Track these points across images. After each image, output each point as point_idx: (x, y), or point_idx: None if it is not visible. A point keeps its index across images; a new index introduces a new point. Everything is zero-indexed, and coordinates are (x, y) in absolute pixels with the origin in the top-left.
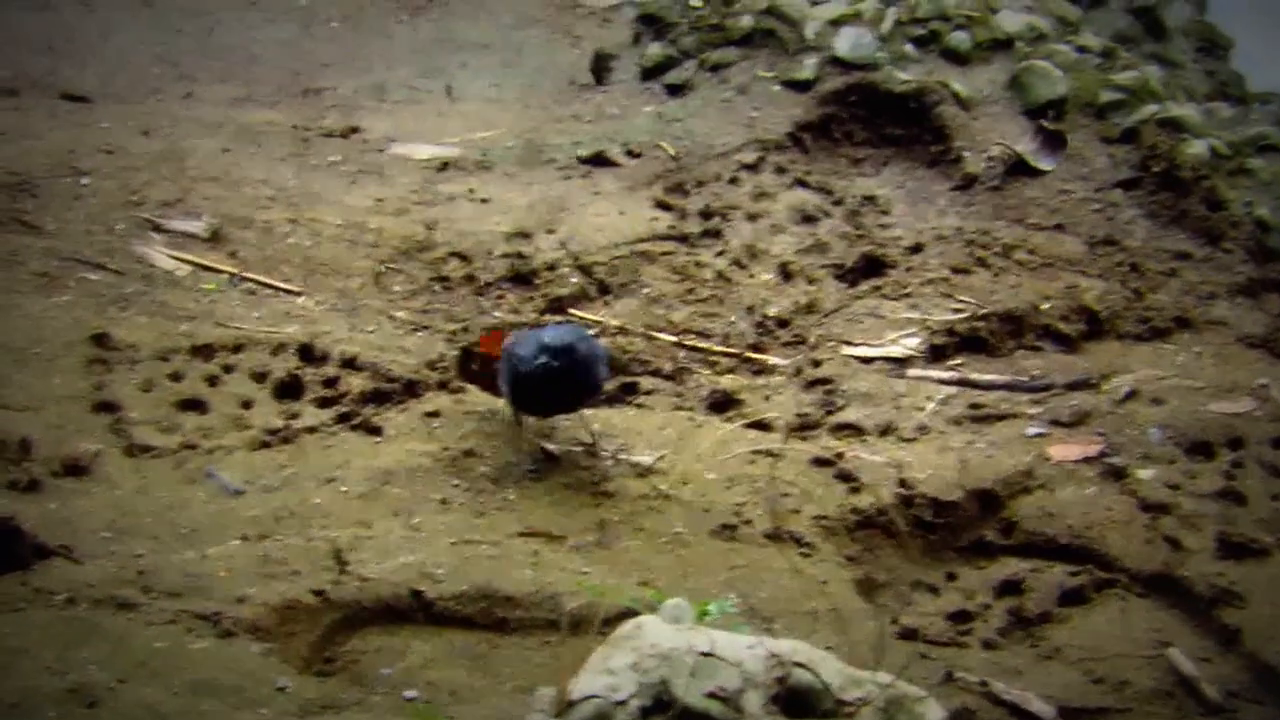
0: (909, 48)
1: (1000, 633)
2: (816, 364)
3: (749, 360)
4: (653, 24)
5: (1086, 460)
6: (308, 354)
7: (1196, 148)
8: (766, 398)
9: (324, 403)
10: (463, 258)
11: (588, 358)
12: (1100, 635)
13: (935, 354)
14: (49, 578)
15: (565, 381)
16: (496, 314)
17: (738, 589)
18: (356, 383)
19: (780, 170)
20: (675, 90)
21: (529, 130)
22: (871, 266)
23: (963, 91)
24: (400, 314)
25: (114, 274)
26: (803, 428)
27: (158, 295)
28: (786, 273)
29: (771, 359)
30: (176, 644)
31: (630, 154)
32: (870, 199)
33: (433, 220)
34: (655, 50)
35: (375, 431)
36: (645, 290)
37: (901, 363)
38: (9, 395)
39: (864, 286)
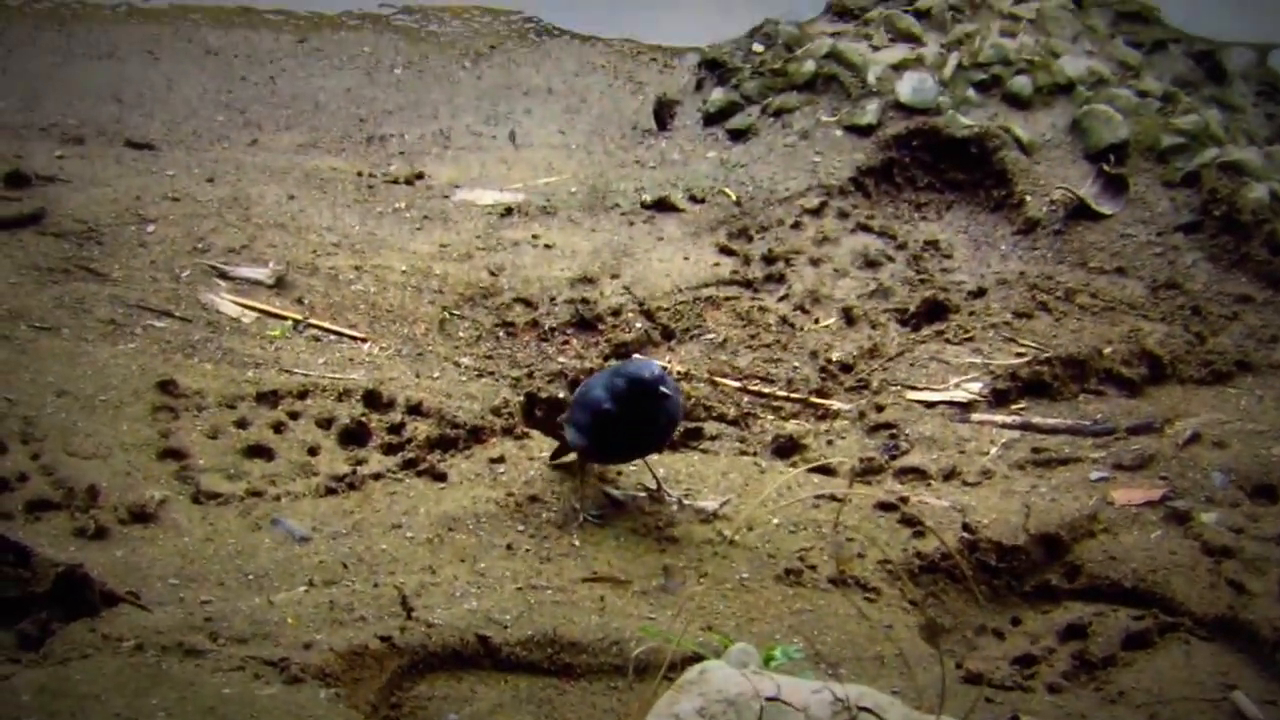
0: (971, 92)
1: (1065, 676)
2: (880, 409)
3: (813, 405)
4: (715, 70)
5: (1150, 504)
6: (373, 400)
7: (1258, 191)
8: (830, 442)
9: (390, 449)
10: (527, 303)
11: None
12: (1165, 679)
13: (998, 398)
14: (117, 624)
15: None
16: (561, 360)
17: (803, 634)
18: (422, 429)
19: (843, 215)
20: (738, 135)
21: (593, 176)
22: (934, 311)
23: (1024, 136)
24: (465, 360)
25: (180, 321)
26: (866, 472)
27: (224, 342)
28: (849, 317)
29: (835, 404)
30: (244, 690)
31: (693, 199)
32: (933, 243)
33: (497, 266)
34: (718, 96)
35: (441, 478)
36: (709, 336)
37: (965, 407)
38: (77, 443)
39: (927, 331)
